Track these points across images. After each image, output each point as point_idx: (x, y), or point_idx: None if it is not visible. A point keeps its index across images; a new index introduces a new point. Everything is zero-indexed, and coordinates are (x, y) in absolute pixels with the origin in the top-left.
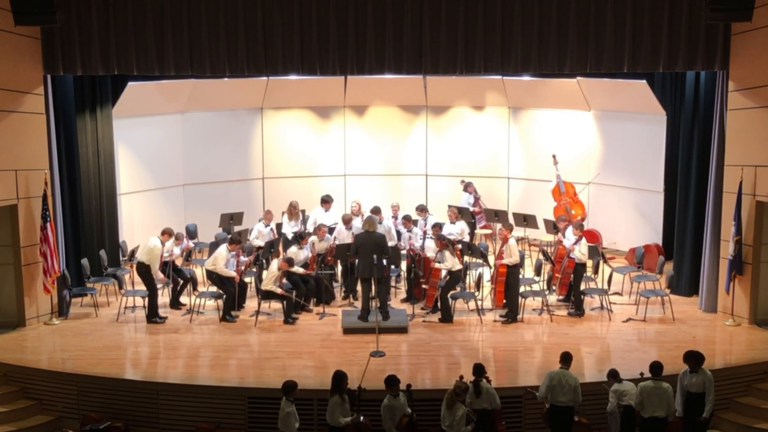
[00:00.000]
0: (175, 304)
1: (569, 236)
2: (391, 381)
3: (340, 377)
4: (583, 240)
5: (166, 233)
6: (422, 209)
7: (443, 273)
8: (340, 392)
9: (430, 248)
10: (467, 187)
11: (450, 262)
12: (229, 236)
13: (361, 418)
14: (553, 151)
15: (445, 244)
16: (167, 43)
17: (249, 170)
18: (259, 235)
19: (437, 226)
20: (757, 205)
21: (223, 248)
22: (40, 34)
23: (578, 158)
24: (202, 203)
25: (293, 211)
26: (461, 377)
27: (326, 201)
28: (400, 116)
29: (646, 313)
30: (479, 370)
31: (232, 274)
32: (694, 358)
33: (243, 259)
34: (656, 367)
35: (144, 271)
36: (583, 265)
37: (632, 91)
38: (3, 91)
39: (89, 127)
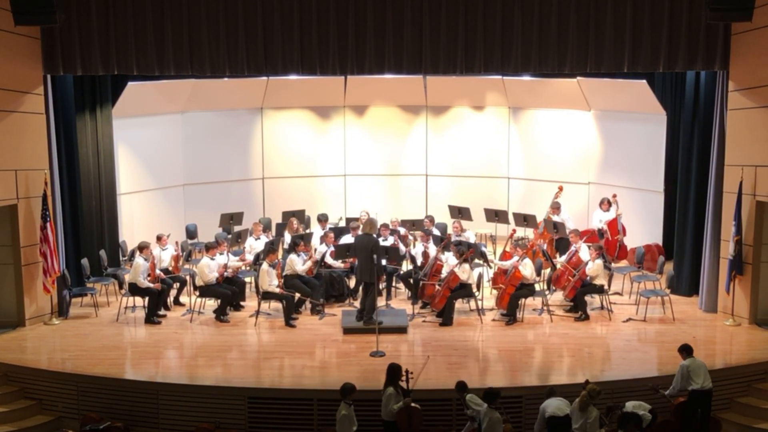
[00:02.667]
0: (167, 306)
1: (585, 253)
2: (495, 394)
3: (395, 370)
4: (598, 261)
5: (144, 247)
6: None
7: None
8: (395, 384)
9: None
10: (605, 202)
11: (467, 275)
12: (205, 244)
13: (412, 403)
14: (561, 183)
15: (465, 257)
16: (167, 43)
17: (249, 170)
18: (251, 249)
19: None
20: (757, 205)
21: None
22: (40, 34)
23: (578, 158)
24: (202, 203)
25: (291, 225)
26: (587, 381)
27: (321, 220)
28: (400, 116)
29: (646, 313)
30: (462, 387)
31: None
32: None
33: (233, 259)
34: (687, 348)
35: (135, 289)
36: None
37: (632, 91)
38: (3, 91)
39: (89, 127)
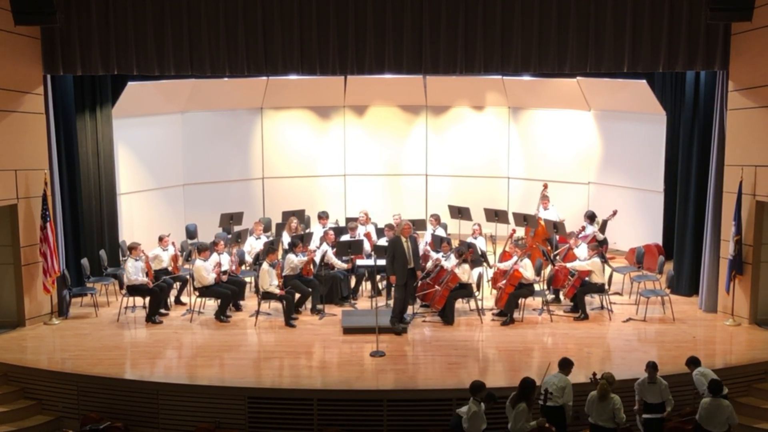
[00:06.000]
0: (167, 305)
1: (582, 252)
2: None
3: (530, 385)
4: (595, 259)
5: (133, 248)
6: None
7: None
8: (529, 401)
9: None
10: (587, 216)
11: (466, 275)
12: (197, 246)
13: (546, 424)
14: (546, 181)
15: (464, 256)
16: (167, 43)
17: (249, 170)
18: (251, 249)
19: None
20: (757, 205)
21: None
22: (40, 34)
23: (578, 158)
24: (202, 203)
25: (290, 224)
26: (594, 374)
27: (322, 217)
28: (400, 116)
29: (646, 313)
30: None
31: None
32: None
33: (225, 257)
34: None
35: (134, 289)
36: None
37: (632, 91)
38: (3, 91)
39: (89, 127)
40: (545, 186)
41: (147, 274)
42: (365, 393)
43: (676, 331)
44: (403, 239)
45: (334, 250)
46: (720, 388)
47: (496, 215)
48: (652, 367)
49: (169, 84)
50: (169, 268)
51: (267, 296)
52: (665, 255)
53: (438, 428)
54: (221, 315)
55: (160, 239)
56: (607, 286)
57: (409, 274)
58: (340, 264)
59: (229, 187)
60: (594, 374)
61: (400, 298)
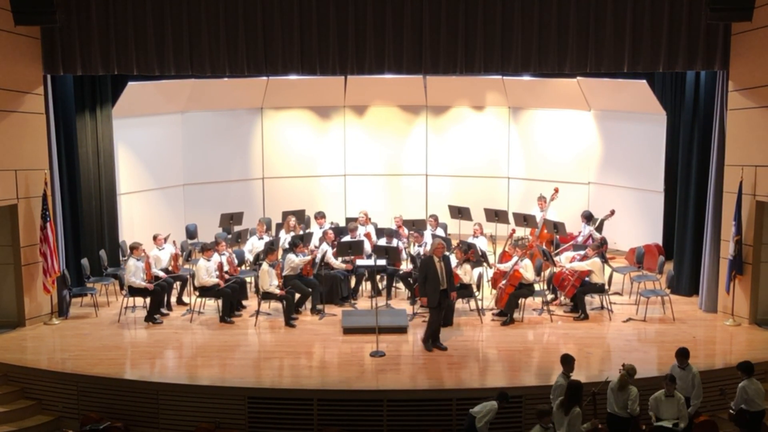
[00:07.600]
0: (169, 305)
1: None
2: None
3: (579, 388)
4: (595, 259)
5: (134, 248)
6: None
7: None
8: (580, 404)
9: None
10: (583, 216)
11: (468, 276)
12: (201, 245)
13: (599, 425)
14: (557, 185)
15: (466, 256)
16: (167, 43)
17: (249, 170)
18: (253, 248)
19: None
20: (757, 205)
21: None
22: (40, 34)
23: (578, 158)
24: (202, 203)
25: (288, 223)
26: (624, 365)
27: (318, 217)
28: (400, 116)
29: (646, 313)
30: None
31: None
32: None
33: (226, 255)
34: (747, 367)
35: (134, 290)
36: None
37: (632, 91)
38: (3, 91)
39: (89, 127)
40: (556, 190)
41: (145, 274)
42: (365, 393)
43: (676, 331)
44: (436, 259)
45: (334, 250)
46: (752, 368)
47: (496, 215)
48: (671, 380)
49: (169, 84)
50: (170, 268)
51: (267, 296)
52: (665, 255)
53: (438, 428)
54: (226, 316)
55: (154, 238)
56: (607, 286)
57: (441, 296)
58: (339, 265)
59: (229, 187)
60: (623, 365)
61: (434, 321)
